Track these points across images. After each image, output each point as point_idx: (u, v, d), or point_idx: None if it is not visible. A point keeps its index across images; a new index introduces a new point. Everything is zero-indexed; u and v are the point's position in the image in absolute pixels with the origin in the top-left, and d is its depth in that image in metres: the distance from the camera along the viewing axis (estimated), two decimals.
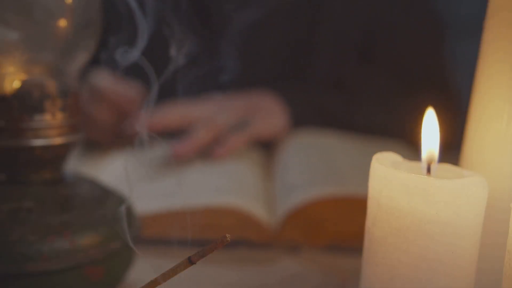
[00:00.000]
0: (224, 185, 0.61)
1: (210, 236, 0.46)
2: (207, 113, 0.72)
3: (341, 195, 0.57)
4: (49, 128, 0.42)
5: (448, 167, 0.39)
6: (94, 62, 0.53)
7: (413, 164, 0.40)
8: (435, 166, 0.39)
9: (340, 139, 0.78)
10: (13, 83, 0.42)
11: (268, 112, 0.76)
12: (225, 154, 0.68)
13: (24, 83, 0.42)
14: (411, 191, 0.35)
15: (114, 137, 0.74)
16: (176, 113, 0.71)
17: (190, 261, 0.32)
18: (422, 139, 0.39)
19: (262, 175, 0.69)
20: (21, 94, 0.42)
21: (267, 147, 0.77)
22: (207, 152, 0.68)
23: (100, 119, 0.74)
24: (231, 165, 0.67)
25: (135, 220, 0.46)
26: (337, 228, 0.57)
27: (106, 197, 0.46)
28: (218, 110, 0.72)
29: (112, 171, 0.65)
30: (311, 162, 0.68)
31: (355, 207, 0.54)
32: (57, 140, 0.43)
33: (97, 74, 0.76)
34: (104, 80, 0.75)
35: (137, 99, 0.75)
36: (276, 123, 0.76)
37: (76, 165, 0.57)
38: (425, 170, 0.39)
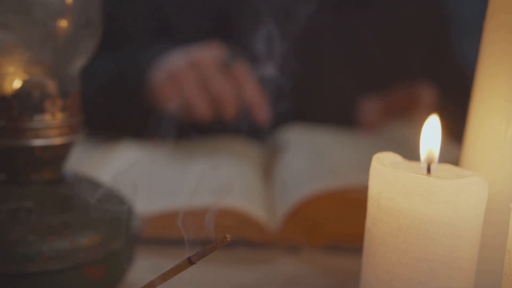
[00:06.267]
0: (224, 186, 0.61)
1: (210, 236, 0.46)
2: None
3: (338, 189, 0.57)
4: (49, 128, 0.42)
5: (448, 167, 0.39)
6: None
7: (413, 164, 0.40)
8: (435, 166, 0.39)
9: (335, 134, 0.79)
10: (13, 83, 0.42)
11: None
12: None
13: (24, 83, 0.42)
14: (411, 191, 0.35)
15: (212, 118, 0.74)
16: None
17: (190, 261, 0.32)
18: (422, 139, 0.39)
19: (262, 175, 0.69)
20: (21, 94, 0.42)
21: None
22: None
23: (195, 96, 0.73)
24: (231, 165, 0.67)
25: (135, 220, 0.46)
26: (337, 228, 0.57)
27: (106, 197, 0.46)
28: None
29: (114, 168, 0.65)
30: (308, 161, 0.69)
31: (354, 206, 0.54)
32: (57, 140, 0.43)
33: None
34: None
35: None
36: None
37: (79, 161, 0.57)
38: (425, 170, 0.39)
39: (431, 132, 0.39)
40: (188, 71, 0.74)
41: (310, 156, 0.70)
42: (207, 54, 0.76)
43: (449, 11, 1.02)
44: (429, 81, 0.91)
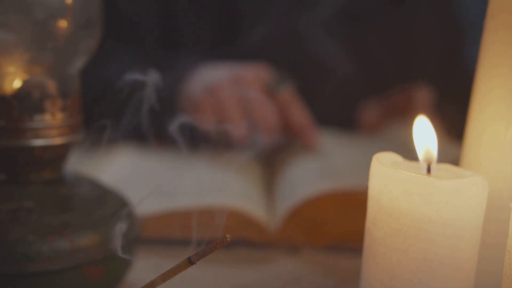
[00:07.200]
0: (223, 186, 0.61)
1: (210, 236, 0.46)
2: None
3: (339, 191, 0.57)
4: (49, 128, 0.42)
5: (448, 167, 0.39)
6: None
7: (413, 164, 0.40)
8: (435, 166, 0.39)
9: (336, 136, 0.79)
10: (13, 83, 0.42)
11: None
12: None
13: (24, 83, 0.42)
14: (411, 191, 0.35)
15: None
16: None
17: (190, 261, 0.32)
18: (416, 140, 0.39)
19: (262, 175, 0.69)
20: (21, 94, 0.42)
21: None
22: None
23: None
24: (231, 166, 0.67)
25: (135, 220, 0.46)
26: (337, 228, 0.57)
27: (106, 197, 0.46)
28: None
29: (115, 170, 0.65)
30: (309, 162, 0.69)
31: (354, 206, 0.54)
32: (57, 140, 0.43)
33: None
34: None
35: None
36: None
37: (78, 164, 0.56)
38: (425, 170, 0.39)
39: (422, 132, 0.39)
40: (231, 89, 0.70)
41: (311, 158, 0.70)
42: (253, 75, 0.72)
43: (461, 17, 1.01)
44: (435, 84, 0.90)
